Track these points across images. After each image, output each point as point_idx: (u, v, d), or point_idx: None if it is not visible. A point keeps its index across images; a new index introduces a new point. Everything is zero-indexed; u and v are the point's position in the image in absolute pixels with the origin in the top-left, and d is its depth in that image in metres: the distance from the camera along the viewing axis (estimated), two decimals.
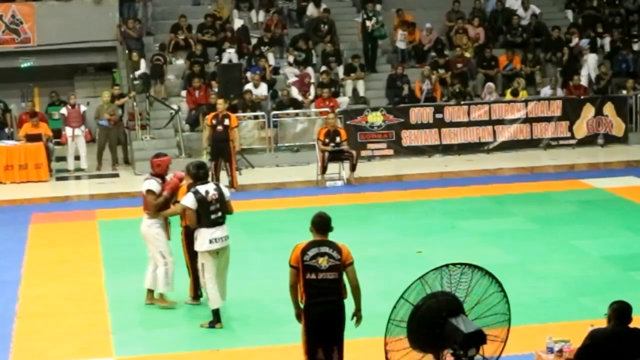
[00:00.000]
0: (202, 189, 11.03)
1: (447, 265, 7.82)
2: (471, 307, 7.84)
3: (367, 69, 24.75)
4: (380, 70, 25.09)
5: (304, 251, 8.30)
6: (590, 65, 24.84)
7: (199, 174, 11.21)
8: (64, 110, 22.47)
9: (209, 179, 11.59)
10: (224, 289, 11.36)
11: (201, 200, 10.92)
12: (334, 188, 19.40)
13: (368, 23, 24.64)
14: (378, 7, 25.40)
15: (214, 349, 10.65)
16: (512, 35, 25.87)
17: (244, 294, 12.55)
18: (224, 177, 19.33)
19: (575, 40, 25.49)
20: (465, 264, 7.88)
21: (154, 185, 11.68)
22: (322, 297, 8.36)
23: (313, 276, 8.25)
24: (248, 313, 11.80)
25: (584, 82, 24.14)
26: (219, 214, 11.01)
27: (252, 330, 11.17)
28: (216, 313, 11.19)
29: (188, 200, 10.98)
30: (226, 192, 11.27)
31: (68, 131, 22.01)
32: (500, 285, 7.97)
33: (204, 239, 10.96)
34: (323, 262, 8.22)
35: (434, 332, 7.64)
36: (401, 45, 25.27)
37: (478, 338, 7.60)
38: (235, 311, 11.87)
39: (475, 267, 7.89)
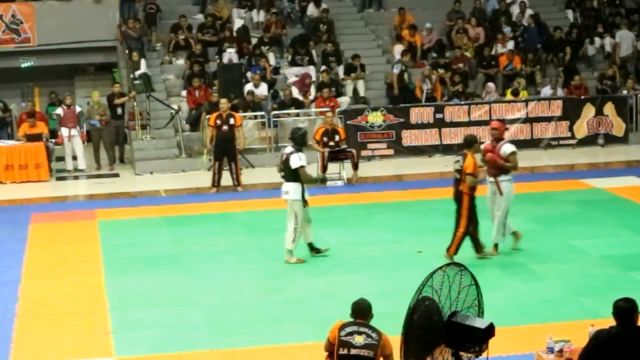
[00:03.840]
0: (285, 149, 13.88)
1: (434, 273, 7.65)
2: (455, 302, 7.68)
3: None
4: (381, 70, 25.06)
5: (342, 327, 7.92)
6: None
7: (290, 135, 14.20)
8: (59, 111, 22.33)
9: (298, 145, 13.71)
10: (290, 235, 13.69)
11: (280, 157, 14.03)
12: (334, 188, 19.37)
13: (406, 76, 23.60)
14: (406, 58, 24.18)
15: (214, 349, 10.65)
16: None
17: (244, 294, 12.56)
18: (227, 177, 19.31)
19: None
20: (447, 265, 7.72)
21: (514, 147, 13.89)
22: None
23: (345, 351, 7.83)
24: (248, 313, 11.78)
25: None
26: (282, 173, 13.80)
27: (252, 330, 11.15)
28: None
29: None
30: (293, 161, 13.42)
31: (64, 132, 21.88)
32: (473, 277, 7.80)
33: None
34: (359, 339, 7.80)
35: (428, 337, 7.54)
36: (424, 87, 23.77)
37: (490, 332, 7.52)
38: (236, 311, 11.88)
39: (450, 264, 7.75)
